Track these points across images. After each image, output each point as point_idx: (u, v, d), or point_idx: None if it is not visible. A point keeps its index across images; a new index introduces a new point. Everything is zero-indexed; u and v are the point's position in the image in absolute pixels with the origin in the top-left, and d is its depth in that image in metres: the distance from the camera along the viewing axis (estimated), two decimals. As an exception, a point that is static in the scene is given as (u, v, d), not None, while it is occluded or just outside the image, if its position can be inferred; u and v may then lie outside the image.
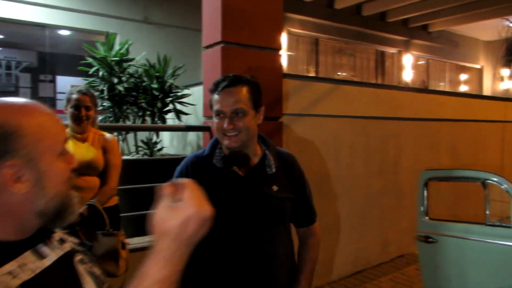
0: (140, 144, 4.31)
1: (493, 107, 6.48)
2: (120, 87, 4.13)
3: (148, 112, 4.24)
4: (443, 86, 12.55)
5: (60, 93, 7.06)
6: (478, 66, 13.43)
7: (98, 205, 2.35)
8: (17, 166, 0.77)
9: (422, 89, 9.23)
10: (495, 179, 2.51)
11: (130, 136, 4.46)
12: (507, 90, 12.67)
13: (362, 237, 4.55)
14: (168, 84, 4.21)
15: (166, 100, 4.22)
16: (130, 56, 4.36)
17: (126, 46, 4.31)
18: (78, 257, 0.92)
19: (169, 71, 4.31)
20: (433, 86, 11.99)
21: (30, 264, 0.78)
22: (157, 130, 4.26)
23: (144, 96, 4.17)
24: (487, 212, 2.52)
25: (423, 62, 11.93)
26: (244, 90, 1.54)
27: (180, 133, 4.66)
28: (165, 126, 4.26)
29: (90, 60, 4.24)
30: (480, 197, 2.70)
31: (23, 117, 0.79)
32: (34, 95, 6.87)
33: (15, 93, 6.78)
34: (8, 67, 6.72)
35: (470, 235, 2.55)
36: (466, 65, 13.09)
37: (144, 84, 4.19)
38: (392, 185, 4.84)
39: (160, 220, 0.77)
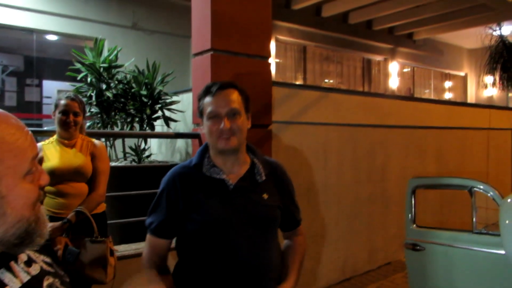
0: (128, 150, 4.28)
1: (478, 115, 6.60)
2: (108, 93, 4.10)
3: (136, 119, 4.22)
4: (428, 93, 12.74)
5: (47, 97, 7.01)
6: (462, 74, 13.67)
7: (86, 212, 2.33)
8: None
9: (408, 97, 9.37)
10: (481, 186, 2.55)
11: (118, 142, 4.42)
12: (490, 97, 12.92)
13: (350, 245, 4.57)
14: (157, 90, 4.19)
15: (155, 106, 4.20)
16: (118, 62, 4.34)
17: (115, 52, 4.29)
18: (48, 281, 0.82)
19: (158, 78, 4.30)
20: (418, 94, 12.17)
21: None
22: (146, 137, 4.23)
23: (132, 103, 4.14)
24: (474, 220, 2.55)
25: (408, 69, 12.11)
26: (236, 93, 1.56)
27: (168, 140, 4.64)
28: (154, 133, 4.24)
29: (78, 65, 4.21)
30: (466, 204, 2.74)
31: None
32: (20, 99, 6.80)
33: (0, 97, 6.71)
34: (-6, 71, 6.66)
35: (458, 243, 2.57)
36: (450, 73, 13.31)
37: (133, 90, 4.16)
38: (379, 192, 4.87)
39: None
